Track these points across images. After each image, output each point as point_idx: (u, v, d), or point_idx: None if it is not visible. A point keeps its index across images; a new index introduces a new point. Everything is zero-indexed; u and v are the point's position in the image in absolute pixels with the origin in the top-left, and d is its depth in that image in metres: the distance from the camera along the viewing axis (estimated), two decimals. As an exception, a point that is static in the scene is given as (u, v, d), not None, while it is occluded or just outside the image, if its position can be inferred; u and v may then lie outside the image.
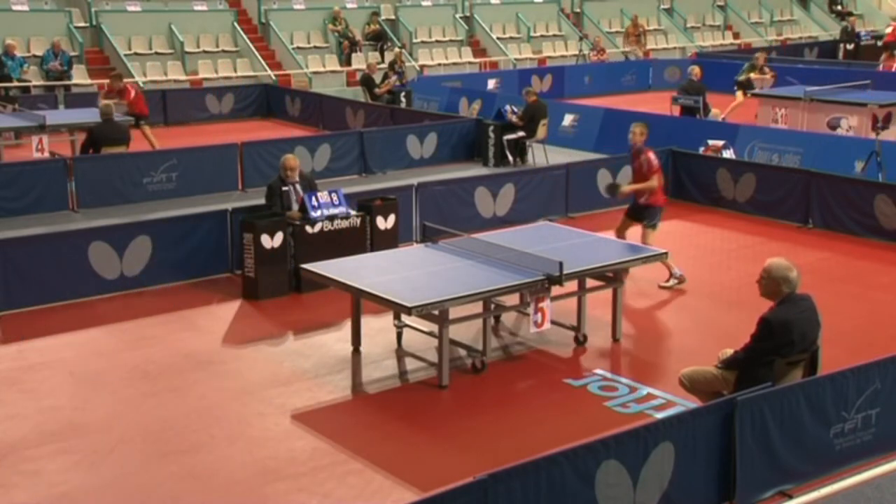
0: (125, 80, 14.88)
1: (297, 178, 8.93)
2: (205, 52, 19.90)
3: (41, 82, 17.44)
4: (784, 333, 5.37)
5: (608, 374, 6.95)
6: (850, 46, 24.98)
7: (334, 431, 6.08)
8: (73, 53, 18.22)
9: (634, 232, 8.75)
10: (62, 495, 5.36)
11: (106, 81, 14.51)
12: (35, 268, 8.26)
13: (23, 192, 11.13)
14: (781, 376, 5.44)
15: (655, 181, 8.62)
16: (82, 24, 19.42)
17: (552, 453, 4.57)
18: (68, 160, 11.75)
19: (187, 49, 19.57)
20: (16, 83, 16.87)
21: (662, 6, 26.93)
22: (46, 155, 12.55)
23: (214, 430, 6.08)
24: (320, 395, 6.61)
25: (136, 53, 19.19)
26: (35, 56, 18.00)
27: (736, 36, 27.48)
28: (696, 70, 16.01)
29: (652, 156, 8.62)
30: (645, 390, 6.64)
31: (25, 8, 18.98)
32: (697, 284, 8.78)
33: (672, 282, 8.68)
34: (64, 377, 6.91)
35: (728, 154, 12.52)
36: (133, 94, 14.09)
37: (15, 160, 12.64)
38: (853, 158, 12.14)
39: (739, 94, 17.06)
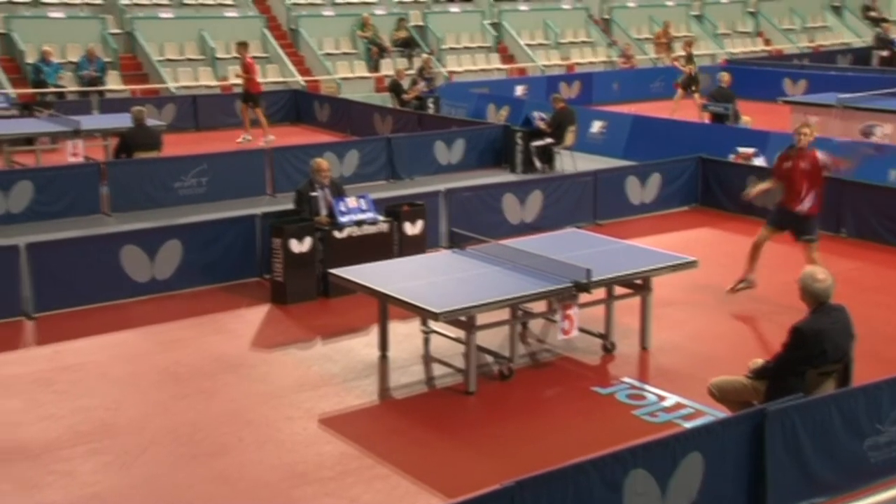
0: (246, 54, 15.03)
1: (328, 182, 9.00)
2: (235, 58, 19.91)
3: (76, 88, 17.70)
4: (816, 343, 5.31)
5: (636, 383, 6.91)
6: (884, 53, 24.65)
7: (361, 436, 6.10)
8: (107, 59, 18.47)
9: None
10: (94, 496, 5.43)
11: (138, 87, 14.68)
12: (69, 270, 8.38)
13: (57, 196, 11.29)
14: (813, 387, 5.38)
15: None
16: (116, 31, 19.66)
17: (579, 461, 4.56)
18: (102, 164, 11.92)
19: (218, 55, 19.76)
20: (52, 89, 17.16)
21: (692, 13, 26.77)
22: (81, 159, 12.74)
23: (243, 434, 6.13)
24: (348, 400, 6.64)
25: (168, 59, 19.41)
26: (70, 62, 18.26)
27: (767, 43, 27.22)
28: (725, 77, 15.89)
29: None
30: (673, 399, 6.59)
31: (61, 15, 19.27)
32: (728, 293, 8.70)
33: (742, 285, 8.67)
34: (97, 378, 7.00)
35: (758, 162, 12.41)
36: (252, 68, 14.31)
37: (50, 164, 12.84)
38: (887, 166, 11.98)
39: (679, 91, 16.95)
